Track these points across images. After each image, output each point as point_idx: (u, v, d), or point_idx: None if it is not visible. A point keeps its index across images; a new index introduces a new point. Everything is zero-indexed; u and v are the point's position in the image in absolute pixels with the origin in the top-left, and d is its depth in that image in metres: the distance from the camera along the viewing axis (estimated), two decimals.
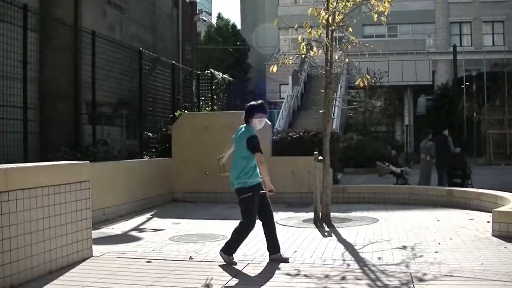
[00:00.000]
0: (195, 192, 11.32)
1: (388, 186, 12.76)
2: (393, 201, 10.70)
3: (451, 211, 9.41)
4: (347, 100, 24.43)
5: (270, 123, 11.70)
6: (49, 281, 4.62)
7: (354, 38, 8.29)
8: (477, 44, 35.84)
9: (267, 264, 5.30)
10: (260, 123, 5.47)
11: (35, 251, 4.70)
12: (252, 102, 5.60)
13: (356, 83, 8.43)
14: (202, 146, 11.11)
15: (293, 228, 7.76)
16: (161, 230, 7.86)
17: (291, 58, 8.45)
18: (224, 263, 5.29)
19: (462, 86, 32.11)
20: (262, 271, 5.06)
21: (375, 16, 7.85)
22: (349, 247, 6.45)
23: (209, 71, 18.99)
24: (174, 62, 15.40)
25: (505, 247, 6.17)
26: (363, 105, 26.99)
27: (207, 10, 40.25)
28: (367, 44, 8.97)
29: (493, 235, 6.80)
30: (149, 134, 13.23)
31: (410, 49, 32.34)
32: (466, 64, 32.40)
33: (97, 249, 5.78)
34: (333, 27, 8.20)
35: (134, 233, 7.74)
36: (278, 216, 8.59)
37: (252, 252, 5.97)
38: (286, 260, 5.35)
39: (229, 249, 5.37)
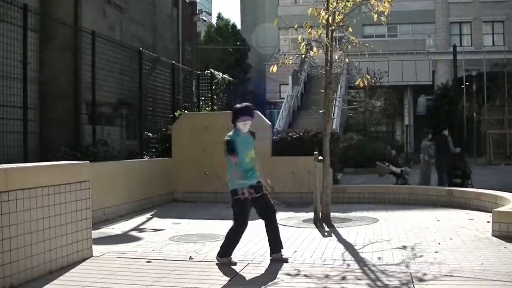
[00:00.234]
0: (195, 192, 11.32)
1: (388, 186, 12.76)
2: (393, 201, 10.70)
3: (451, 211, 9.41)
4: (347, 100, 24.44)
5: (270, 123, 11.71)
6: (49, 281, 4.62)
7: (354, 38, 8.29)
8: (477, 44, 35.84)
9: (267, 264, 5.30)
10: (244, 126, 5.40)
11: (35, 251, 4.70)
12: (237, 105, 5.57)
13: (356, 83, 8.43)
14: (202, 146, 11.11)
15: (293, 228, 7.76)
16: (161, 230, 7.87)
17: (291, 58, 8.45)
18: (225, 263, 5.29)
19: (462, 86, 32.11)
20: (262, 271, 5.06)
21: (375, 16, 7.85)
22: (349, 247, 6.45)
23: (209, 71, 18.98)
24: (174, 62, 15.40)
25: (505, 247, 6.17)
26: (363, 105, 26.97)
27: (207, 10, 40.27)
28: (367, 44, 8.97)
29: (493, 235, 6.81)
30: (149, 134, 13.22)
31: (410, 49, 32.35)
32: (466, 64, 32.39)
33: (97, 249, 5.78)
34: (333, 27, 8.19)
35: (134, 233, 7.74)
36: (278, 216, 8.53)
37: (252, 252, 5.97)
38: (285, 260, 5.35)
39: (225, 251, 5.37)
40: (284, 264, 5.27)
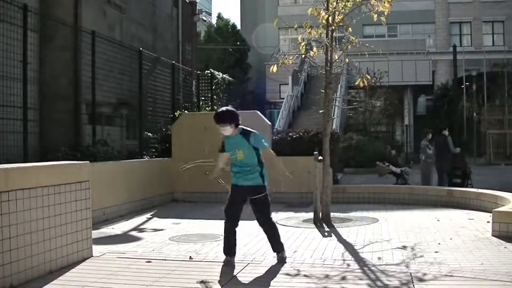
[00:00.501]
0: (195, 192, 11.32)
1: (388, 186, 12.76)
2: (393, 201, 10.70)
3: (451, 211, 9.41)
4: (347, 100, 24.46)
5: (270, 123, 11.70)
6: (49, 281, 4.62)
7: (354, 38, 8.29)
8: (477, 44, 35.84)
9: (267, 264, 5.30)
10: (223, 131, 5.42)
11: (35, 251, 4.70)
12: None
13: (356, 83, 8.43)
14: (202, 146, 11.10)
15: (293, 228, 7.76)
16: (161, 230, 7.86)
17: (291, 58, 8.45)
18: (224, 263, 5.29)
19: (462, 86, 32.11)
20: (262, 271, 5.05)
21: (375, 16, 7.85)
22: (349, 247, 6.45)
23: (209, 71, 18.98)
24: (174, 62, 15.40)
25: (505, 247, 6.17)
26: (363, 105, 26.97)
27: (207, 10, 40.26)
28: (367, 44, 8.97)
29: (493, 235, 6.81)
30: (149, 134, 13.22)
31: (410, 49, 32.35)
32: (466, 64, 32.39)
33: (97, 249, 5.78)
34: (333, 27, 8.19)
35: (134, 233, 7.74)
36: (278, 216, 8.60)
37: (252, 252, 5.97)
38: (283, 260, 5.36)
39: (223, 249, 5.41)
40: (284, 264, 5.27)
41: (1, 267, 4.29)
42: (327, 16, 7.95)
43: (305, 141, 11.39)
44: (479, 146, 31.35)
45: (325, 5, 8.01)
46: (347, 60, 9.25)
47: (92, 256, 5.53)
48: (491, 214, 7.13)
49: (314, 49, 8.76)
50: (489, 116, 32.61)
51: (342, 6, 7.99)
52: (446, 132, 14.26)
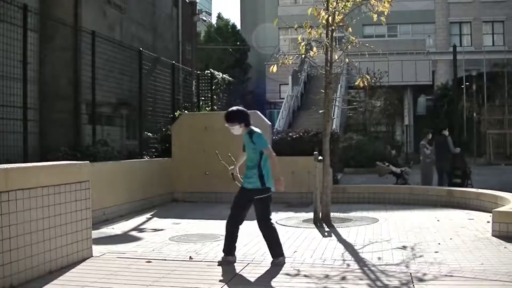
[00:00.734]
0: (195, 192, 11.32)
1: (388, 186, 12.76)
2: (393, 201, 10.70)
3: (451, 211, 9.41)
4: (347, 100, 24.47)
5: (270, 123, 11.70)
6: (49, 281, 4.62)
7: (354, 38, 8.29)
8: (477, 44, 35.85)
9: (267, 264, 5.30)
10: (232, 130, 5.46)
11: (35, 251, 4.70)
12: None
13: (356, 83, 8.43)
14: (202, 146, 11.10)
15: (293, 228, 7.76)
16: (161, 230, 7.86)
17: (291, 58, 8.45)
18: (224, 262, 5.29)
19: (462, 86, 32.12)
20: (262, 271, 5.05)
21: (375, 16, 7.85)
22: (349, 247, 6.45)
23: (209, 71, 18.98)
24: (174, 62, 15.40)
25: (505, 247, 6.17)
26: (363, 105, 26.92)
27: (207, 10, 40.28)
28: (367, 44, 8.97)
29: (493, 235, 6.81)
30: (149, 134, 13.22)
31: (410, 49, 32.37)
32: (466, 64, 32.40)
33: (97, 249, 5.78)
34: (333, 27, 8.19)
35: (134, 233, 7.74)
36: (278, 216, 8.60)
37: (252, 252, 5.97)
38: (279, 265, 5.27)
39: (223, 248, 5.43)
40: (284, 264, 5.27)
41: (1, 267, 4.29)
42: (327, 16, 7.95)
43: (305, 141, 11.39)
44: (479, 146, 31.36)
45: (325, 5, 8.01)
46: (347, 60, 9.25)
47: (92, 256, 5.54)
48: (491, 214, 7.13)
49: (314, 49, 8.76)
50: (489, 116, 32.61)
51: (342, 6, 7.99)
52: (446, 132, 14.26)
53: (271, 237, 5.40)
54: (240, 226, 5.47)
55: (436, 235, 7.10)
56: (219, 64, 32.06)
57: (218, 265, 5.24)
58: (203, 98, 18.09)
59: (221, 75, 19.47)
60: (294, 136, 11.75)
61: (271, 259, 5.39)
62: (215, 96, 18.45)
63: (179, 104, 15.49)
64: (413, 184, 14.04)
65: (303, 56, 8.57)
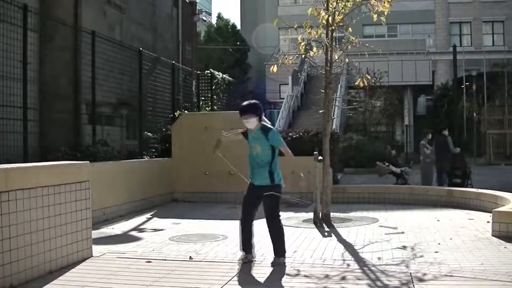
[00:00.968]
0: (195, 192, 11.32)
1: (388, 186, 12.77)
2: (393, 201, 10.70)
3: (451, 211, 9.41)
4: (347, 100, 24.47)
5: (270, 123, 11.69)
6: (49, 281, 4.62)
7: (354, 38, 8.29)
8: (477, 44, 35.85)
9: (267, 264, 5.30)
10: (247, 124, 5.46)
11: (35, 251, 4.70)
12: (242, 103, 5.67)
13: (356, 83, 8.43)
14: (202, 146, 11.09)
15: (293, 228, 7.76)
16: (161, 230, 7.86)
17: (291, 58, 8.45)
18: (224, 262, 5.29)
19: (462, 86, 32.12)
20: (262, 271, 5.06)
21: (375, 16, 7.85)
22: (349, 247, 6.45)
23: (209, 71, 18.98)
24: (174, 62, 15.40)
25: (505, 247, 6.17)
26: (363, 105, 26.90)
27: (207, 10, 40.29)
28: (367, 44, 8.96)
29: (493, 235, 6.80)
30: (149, 134, 13.22)
31: (410, 49, 32.37)
32: (466, 64, 32.40)
33: (97, 249, 5.78)
34: (333, 27, 8.19)
35: (134, 233, 7.74)
36: None
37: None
38: (280, 265, 5.29)
39: (240, 246, 5.49)
40: (284, 264, 5.27)
41: (1, 267, 4.29)
42: (327, 16, 7.95)
43: (305, 141, 11.38)
44: (479, 146, 31.35)
45: (325, 5, 8.00)
46: (347, 60, 9.25)
47: (92, 256, 5.54)
48: (491, 214, 7.13)
49: (314, 49, 8.76)
50: (489, 116, 32.61)
51: (342, 6, 7.99)
52: (446, 132, 14.27)
53: (278, 236, 5.44)
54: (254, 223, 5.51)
55: (436, 235, 7.10)
56: (219, 64, 32.06)
57: (239, 263, 5.29)
58: (203, 98, 18.09)
59: (221, 75, 19.47)
60: (294, 136, 11.74)
61: (271, 259, 5.39)
62: (215, 96, 18.45)
63: (179, 104, 15.49)
64: (413, 184, 14.04)
65: (303, 56, 8.58)
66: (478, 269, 5.11)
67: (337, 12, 8.06)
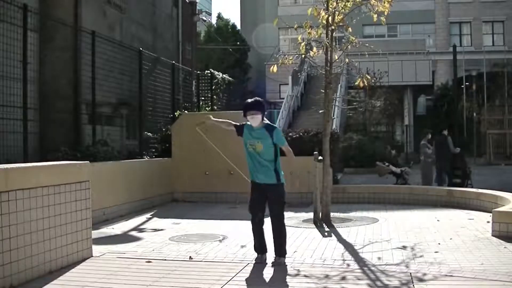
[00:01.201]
0: (195, 192, 11.32)
1: (388, 186, 12.76)
2: (393, 201, 10.70)
3: (451, 211, 9.41)
4: (347, 100, 24.45)
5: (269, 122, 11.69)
6: (49, 281, 4.62)
7: (354, 38, 8.29)
8: (477, 44, 35.84)
9: (267, 264, 5.30)
10: (252, 120, 5.45)
11: (35, 251, 4.71)
12: (247, 100, 5.66)
13: (356, 83, 8.43)
14: (202, 146, 11.07)
15: (293, 228, 7.75)
16: (161, 230, 7.86)
17: (291, 58, 8.45)
18: (224, 262, 5.29)
19: (462, 86, 32.11)
20: (262, 271, 5.06)
21: (375, 16, 7.85)
22: (349, 247, 6.45)
23: (209, 71, 18.98)
24: (174, 62, 15.40)
25: (505, 247, 6.17)
26: (363, 105, 26.88)
27: (207, 10, 40.27)
28: (367, 44, 8.96)
29: (493, 235, 6.81)
30: (149, 134, 13.22)
31: (410, 49, 32.35)
32: (466, 64, 32.40)
33: (97, 249, 5.78)
34: (333, 27, 8.19)
35: (134, 233, 7.74)
36: None
37: (252, 252, 5.94)
38: (280, 265, 5.30)
39: (254, 247, 5.51)
40: (284, 264, 5.27)
41: (1, 267, 4.29)
42: (327, 16, 7.95)
43: (305, 141, 11.38)
44: (479, 146, 31.35)
45: (325, 5, 8.01)
46: (347, 60, 9.25)
47: (92, 256, 5.54)
48: (491, 214, 7.13)
49: (314, 49, 8.76)
50: (489, 116, 32.59)
51: (342, 6, 7.99)
52: (446, 132, 14.27)
53: (281, 235, 5.45)
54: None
55: (436, 235, 7.10)
56: (219, 64, 32.06)
57: (243, 263, 5.29)
58: (203, 98, 18.09)
59: (221, 75, 19.47)
60: (294, 136, 11.74)
61: (271, 259, 5.39)
62: (215, 96, 18.45)
63: (179, 104, 15.49)
64: (413, 184, 14.04)
65: (303, 56, 8.57)
66: (478, 269, 5.11)
67: (337, 12, 8.06)
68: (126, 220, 8.79)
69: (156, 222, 8.72)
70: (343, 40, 9.13)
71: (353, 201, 10.95)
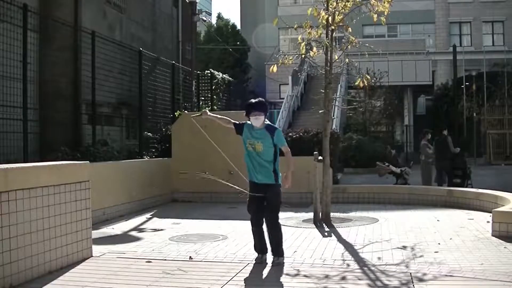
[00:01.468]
0: (195, 192, 11.31)
1: (388, 186, 12.77)
2: (393, 201, 10.70)
3: (451, 211, 9.41)
4: (347, 100, 24.45)
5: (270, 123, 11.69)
6: (49, 281, 4.62)
7: (354, 38, 8.29)
8: (477, 44, 35.85)
9: (267, 264, 5.30)
10: (255, 120, 5.45)
11: (35, 251, 4.71)
12: (250, 100, 5.66)
13: (356, 83, 8.43)
14: (202, 146, 11.08)
15: (293, 228, 7.76)
16: (161, 230, 7.86)
17: (291, 58, 8.45)
18: (224, 262, 5.29)
19: (462, 86, 32.11)
20: (262, 271, 5.06)
21: (375, 16, 7.85)
22: (349, 247, 6.45)
23: (209, 71, 19.00)
24: (174, 62, 15.41)
25: (505, 247, 6.17)
26: (363, 105, 26.98)
27: (207, 10, 40.24)
28: (367, 44, 8.97)
29: (493, 235, 6.80)
30: (149, 134, 13.23)
31: (410, 49, 32.36)
32: (466, 64, 32.40)
33: (97, 249, 5.78)
34: (333, 27, 8.19)
35: (134, 233, 7.74)
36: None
37: (252, 252, 5.95)
38: (279, 265, 5.31)
39: (254, 247, 5.51)
40: (284, 264, 5.27)
41: (1, 267, 4.29)
42: (327, 16, 7.95)
43: (305, 141, 11.38)
44: (479, 146, 31.34)
45: (325, 5, 8.01)
46: (347, 60, 9.24)
47: (92, 256, 5.54)
48: (491, 214, 7.13)
49: (314, 49, 8.75)
50: (489, 116, 32.58)
51: (342, 6, 7.98)
52: (446, 132, 14.26)
53: (277, 235, 5.46)
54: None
55: (436, 235, 7.10)
56: (219, 64, 32.06)
57: (243, 263, 5.29)
58: (203, 98, 18.11)
59: (221, 75, 19.49)
60: (294, 136, 11.75)
61: (271, 259, 5.39)
62: (215, 96, 18.46)
63: (179, 104, 15.50)
64: (413, 184, 14.03)
65: (303, 56, 8.57)
66: (478, 269, 5.11)
67: (337, 12, 8.05)
68: (126, 220, 8.79)
69: (156, 222, 8.72)
70: (343, 40, 9.13)
71: (353, 201, 10.94)
